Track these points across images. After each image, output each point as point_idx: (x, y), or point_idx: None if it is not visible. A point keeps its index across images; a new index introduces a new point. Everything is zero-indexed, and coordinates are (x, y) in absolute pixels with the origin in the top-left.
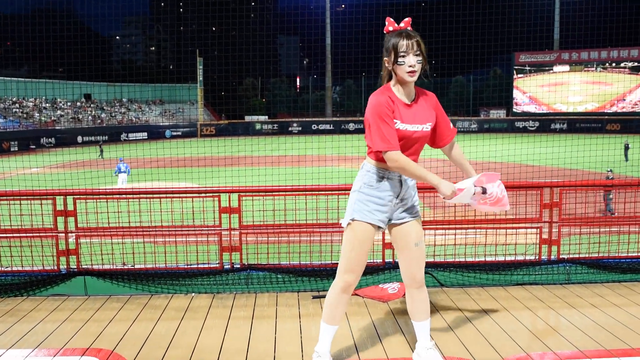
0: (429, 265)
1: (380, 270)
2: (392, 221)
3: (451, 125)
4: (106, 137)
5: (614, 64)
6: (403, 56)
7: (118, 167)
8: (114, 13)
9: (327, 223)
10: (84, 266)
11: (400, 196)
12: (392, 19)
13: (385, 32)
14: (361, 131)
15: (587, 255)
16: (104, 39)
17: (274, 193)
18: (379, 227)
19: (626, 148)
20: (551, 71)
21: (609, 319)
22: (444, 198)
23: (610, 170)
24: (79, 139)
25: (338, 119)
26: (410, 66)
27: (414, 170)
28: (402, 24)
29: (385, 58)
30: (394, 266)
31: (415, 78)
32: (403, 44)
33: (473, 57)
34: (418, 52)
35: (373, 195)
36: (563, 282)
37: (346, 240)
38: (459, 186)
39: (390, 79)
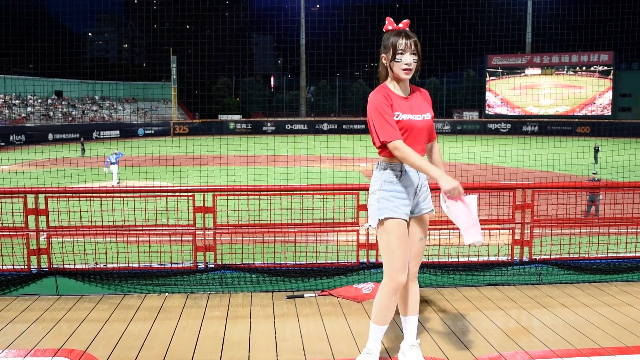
0: None
1: (355, 270)
2: (413, 213)
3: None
4: (78, 135)
5: (584, 68)
6: (401, 54)
7: (108, 159)
8: (88, 10)
9: (302, 223)
10: (55, 266)
11: (419, 187)
12: (392, 19)
13: (384, 30)
14: (335, 132)
15: (558, 256)
16: (77, 35)
17: (248, 193)
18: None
19: (596, 151)
20: (523, 74)
21: (579, 319)
22: (443, 202)
23: (595, 173)
24: (50, 136)
25: (312, 119)
26: (406, 64)
27: (416, 159)
28: (400, 25)
29: (382, 55)
30: (369, 266)
31: (409, 76)
32: (402, 42)
33: (447, 59)
34: (415, 52)
35: (396, 191)
36: (535, 283)
37: (385, 241)
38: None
39: (385, 76)
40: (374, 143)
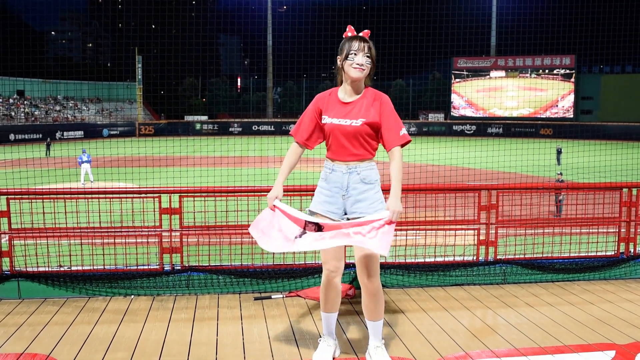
0: None
1: (322, 271)
2: (348, 215)
3: (401, 132)
4: (40, 135)
5: (547, 71)
6: (354, 54)
7: (80, 158)
8: (52, 8)
9: None
10: (17, 269)
11: (345, 187)
12: (352, 27)
13: (344, 36)
14: None
15: (522, 256)
16: (39, 34)
17: (215, 194)
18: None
19: (558, 152)
20: (488, 76)
21: (544, 318)
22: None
23: (560, 174)
24: (11, 136)
25: (279, 120)
26: (358, 63)
27: (283, 163)
28: (361, 34)
29: (338, 57)
30: None
31: (360, 75)
32: (355, 44)
33: (413, 61)
34: (368, 55)
35: (323, 187)
36: (500, 282)
37: None
38: (279, 205)
39: (341, 81)
40: None
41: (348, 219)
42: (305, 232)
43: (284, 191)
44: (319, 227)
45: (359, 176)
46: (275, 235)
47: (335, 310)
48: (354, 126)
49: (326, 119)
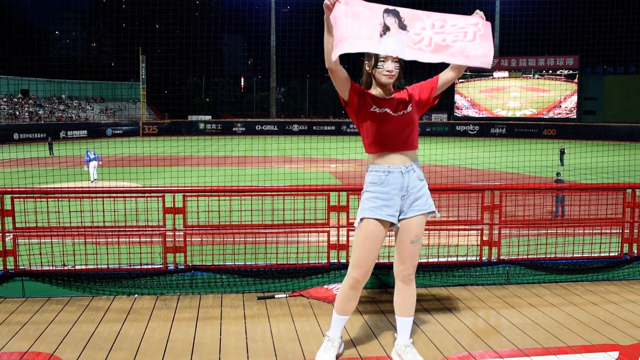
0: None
1: (325, 271)
2: (404, 214)
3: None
4: (45, 135)
5: (550, 72)
6: (383, 61)
7: (87, 156)
8: (57, 8)
9: (272, 224)
10: (21, 267)
11: (405, 188)
12: None
13: None
14: (305, 133)
15: (525, 257)
16: (44, 34)
17: (219, 193)
18: (392, 224)
19: (562, 153)
20: (491, 77)
21: (547, 318)
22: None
23: (558, 174)
24: (15, 136)
25: (282, 120)
26: (388, 71)
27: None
28: None
29: (366, 62)
30: (339, 267)
31: (391, 81)
32: None
33: (416, 61)
34: (396, 60)
35: (379, 192)
36: (503, 283)
37: (355, 238)
38: None
39: (369, 85)
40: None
41: (399, 220)
42: (389, 29)
43: (284, 190)
44: (398, 17)
45: (415, 174)
46: (359, 33)
47: (349, 314)
48: (405, 115)
49: (376, 109)
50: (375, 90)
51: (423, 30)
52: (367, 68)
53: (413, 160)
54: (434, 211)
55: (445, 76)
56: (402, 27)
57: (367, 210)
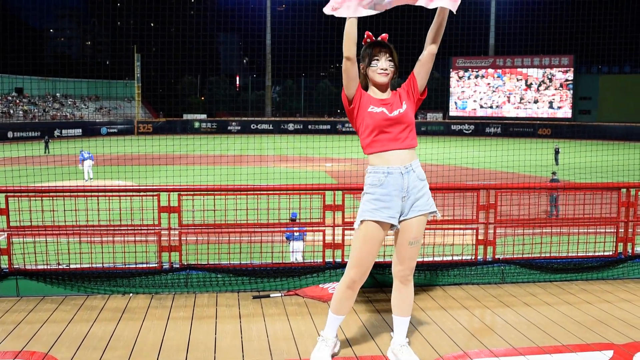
0: None
1: (321, 270)
2: (405, 215)
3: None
4: (39, 133)
5: (545, 71)
6: (376, 60)
7: (82, 155)
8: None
9: (268, 223)
10: (15, 266)
11: (405, 189)
12: (370, 33)
13: (363, 43)
14: (301, 132)
15: (520, 256)
16: (38, 32)
17: (214, 192)
18: (392, 225)
19: (556, 152)
20: (486, 76)
21: (542, 317)
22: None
23: (554, 173)
24: (9, 134)
25: (277, 119)
26: (382, 68)
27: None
28: (379, 38)
29: (361, 64)
30: (334, 266)
31: (386, 79)
32: (375, 49)
33: (412, 61)
34: (390, 59)
35: (379, 194)
36: (498, 282)
37: (353, 238)
38: None
39: (365, 87)
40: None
41: (400, 221)
42: None
43: (279, 190)
44: None
45: (415, 174)
46: None
47: (345, 314)
48: (401, 114)
49: (374, 108)
50: (371, 91)
51: None
52: (362, 70)
53: (412, 159)
54: (435, 211)
55: (419, 62)
56: None
57: (368, 212)
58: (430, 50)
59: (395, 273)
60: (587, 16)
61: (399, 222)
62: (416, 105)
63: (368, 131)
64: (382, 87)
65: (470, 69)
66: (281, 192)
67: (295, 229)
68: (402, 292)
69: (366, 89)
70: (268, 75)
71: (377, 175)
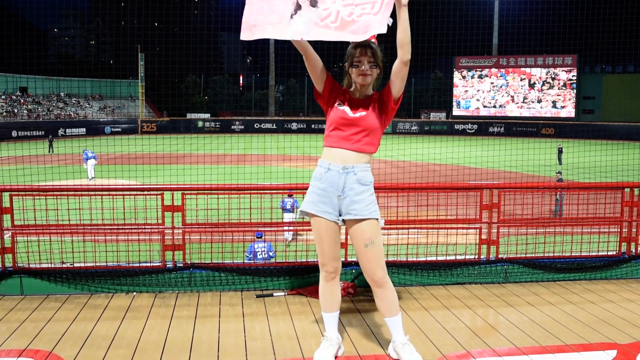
0: None
1: None
2: (344, 216)
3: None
4: (43, 132)
5: (549, 70)
6: (358, 61)
7: (85, 154)
8: (55, 6)
9: (271, 222)
10: (20, 265)
11: (341, 188)
12: None
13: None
14: (304, 131)
15: (524, 255)
16: (42, 31)
17: (218, 191)
18: (334, 222)
19: (560, 152)
20: (490, 75)
21: (545, 317)
22: None
23: (559, 173)
24: (14, 133)
25: (281, 118)
26: (362, 70)
27: None
28: (365, 39)
29: (346, 63)
30: None
31: (367, 82)
32: (358, 51)
33: (415, 60)
34: (372, 60)
35: (317, 187)
36: (501, 281)
37: None
38: None
39: (349, 85)
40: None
41: (343, 221)
42: (301, 7)
43: (282, 189)
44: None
45: (355, 177)
46: (270, 18)
47: (336, 310)
48: (360, 116)
49: (345, 107)
50: (353, 89)
51: (332, 4)
52: (346, 68)
53: (357, 162)
54: (377, 219)
55: (392, 71)
56: (313, 3)
57: (305, 203)
58: (399, 58)
59: (367, 279)
60: (591, 15)
61: (343, 221)
62: (390, 114)
63: (328, 124)
64: (363, 87)
65: (473, 69)
66: (284, 191)
67: (289, 199)
68: (379, 295)
69: (349, 87)
70: (271, 75)
71: (319, 169)
